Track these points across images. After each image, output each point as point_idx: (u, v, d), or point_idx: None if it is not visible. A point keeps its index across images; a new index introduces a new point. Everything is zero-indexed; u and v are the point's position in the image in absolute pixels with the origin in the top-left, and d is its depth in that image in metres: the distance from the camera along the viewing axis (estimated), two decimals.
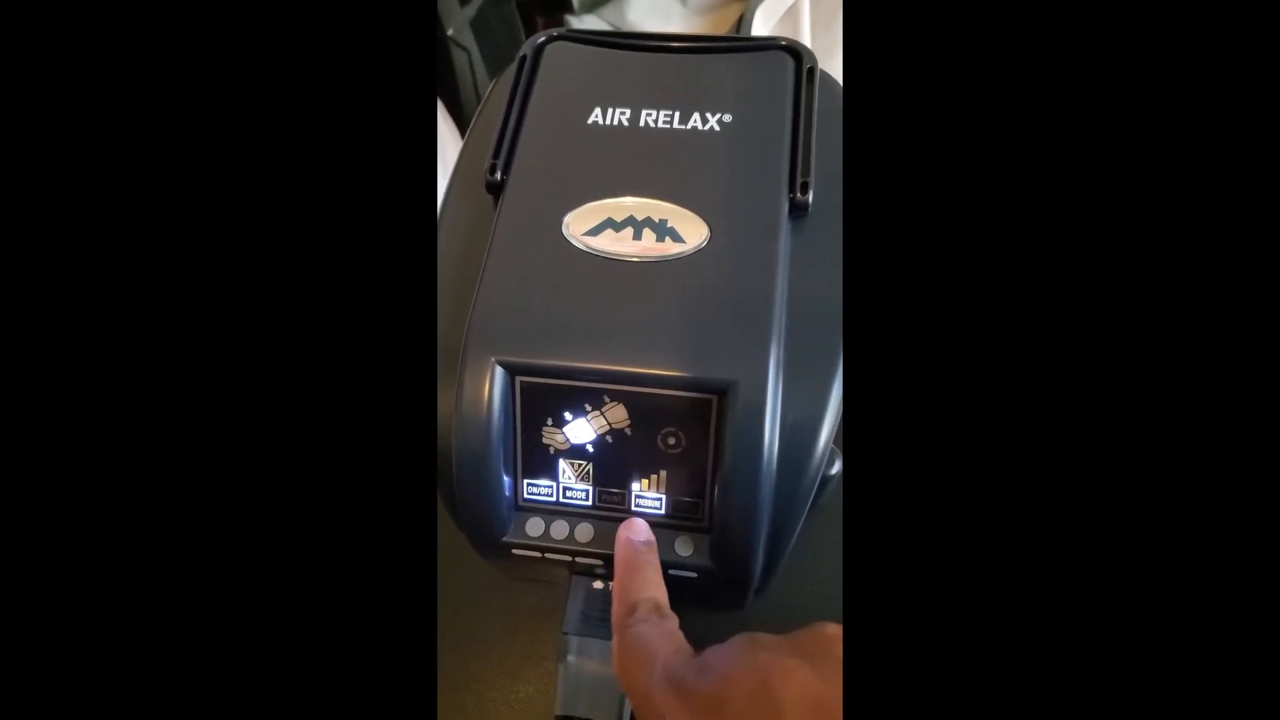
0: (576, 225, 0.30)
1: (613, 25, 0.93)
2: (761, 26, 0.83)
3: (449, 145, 0.75)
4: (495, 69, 0.81)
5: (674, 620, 0.26)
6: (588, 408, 0.28)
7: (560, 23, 0.95)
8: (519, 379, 0.28)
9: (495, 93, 0.36)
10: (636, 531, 0.28)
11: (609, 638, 0.30)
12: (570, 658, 0.30)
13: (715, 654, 0.24)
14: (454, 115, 0.77)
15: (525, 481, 0.29)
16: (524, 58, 0.35)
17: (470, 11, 0.68)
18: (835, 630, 0.24)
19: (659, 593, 0.27)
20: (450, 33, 0.70)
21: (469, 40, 0.72)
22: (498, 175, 0.31)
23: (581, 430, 0.28)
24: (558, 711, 0.29)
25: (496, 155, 0.32)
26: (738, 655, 0.24)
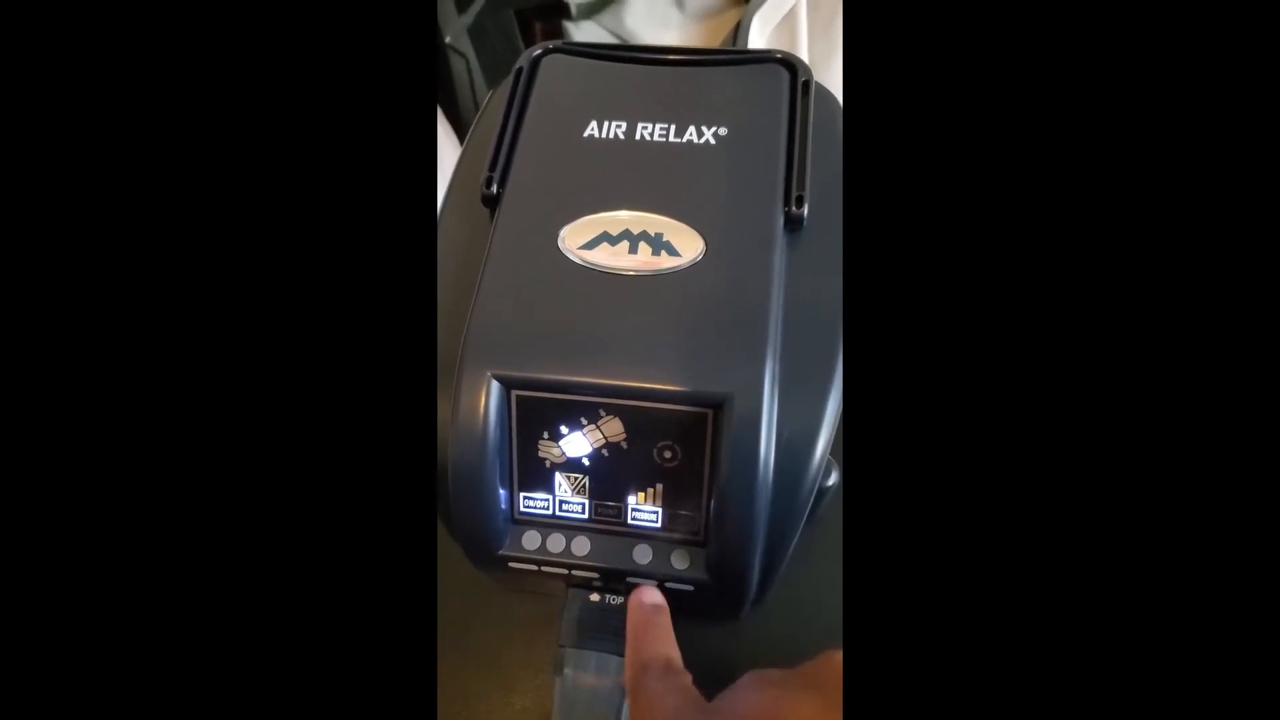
0: (572, 239, 0.30)
1: (611, 32, 0.93)
2: (758, 33, 0.83)
3: (448, 153, 0.75)
4: (493, 76, 0.81)
5: (687, 676, 0.26)
6: (584, 421, 0.28)
7: (558, 29, 0.95)
8: (515, 393, 0.28)
9: (491, 105, 0.36)
10: (648, 596, 0.29)
11: (606, 650, 0.30)
12: (567, 670, 0.30)
13: (724, 698, 0.24)
14: (453, 123, 0.77)
15: (521, 495, 0.29)
16: (520, 70, 0.35)
17: (468, 19, 0.68)
18: (841, 658, 0.24)
19: (671, 650, 0.27)
20: (448, 40, 0.70)
21: (467, 47, 0.73)
22: (494, 188, 0.31)
23: (578, 444, 0.28)
24: None
25: (493, 168, 0.32)
26: (747, 695, 0.24)
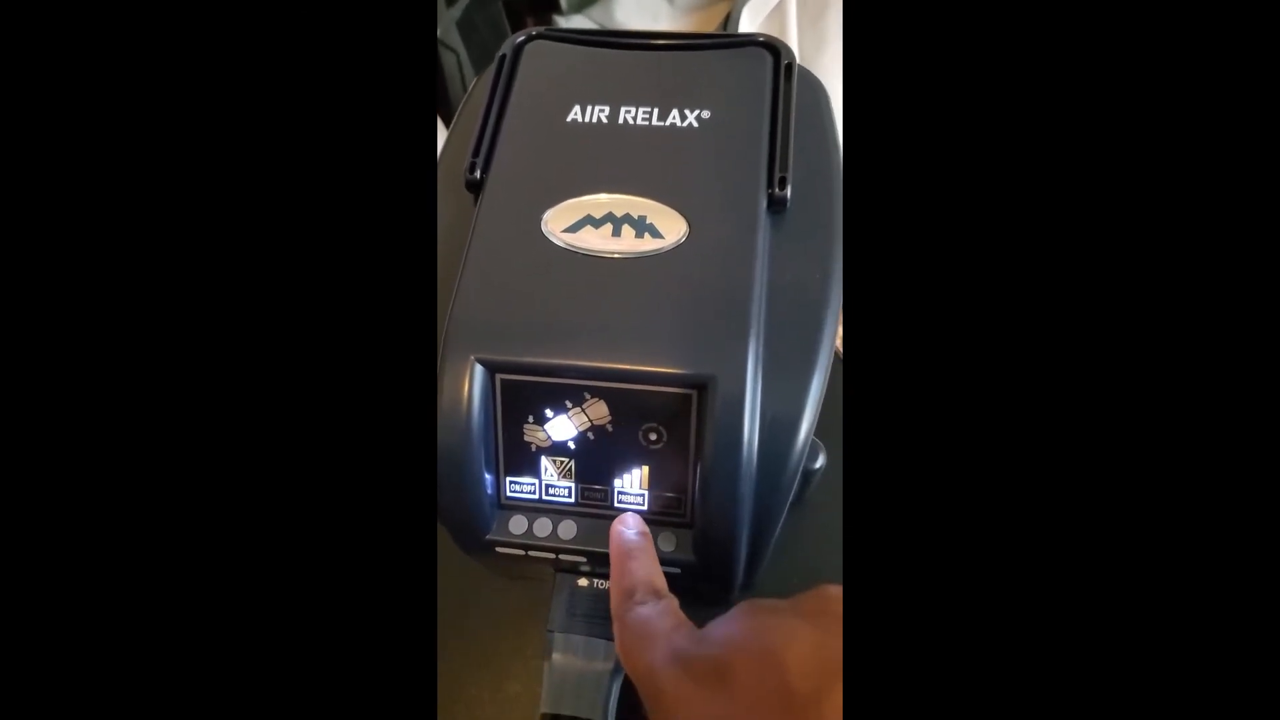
0: (556, 222, 0.30)
1: (600, 25, 0.93)
2: (748, 23, 0.83)
3: (438, 140, 0.75)
4: (482, 70, 0.80)
5: (673, 600, 0.26)
6: (569, 404, 0.28)
7: (548, 22, 0.94)
8: (499, 376, 0.28)
9: (475, 92, 0.36)
10: (629, 524, 0.28)
11: (594, 635, 0.30)
12: (555, 655, 0.30)
13: (717, 624, 0.24)
14: (443, 117, 0.77)
15: (508, 479, 0.29)
16: (503, 57, 0.35)
17: (456, 12, 0.68)
18: (836, 590, 0.24)
19: (655, 576, 0.27)
20: (438, 34, 0.70)
21: (456, 42, 0.72)
22: (477, 173, 0.31)
23: (563, 427, 0.28)
24: (543, 709, 0.29)
25: (476, 154, 0.32)
26: (739, 621, 0.23)
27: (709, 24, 0.87)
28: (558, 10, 0.91)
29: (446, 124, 0.77)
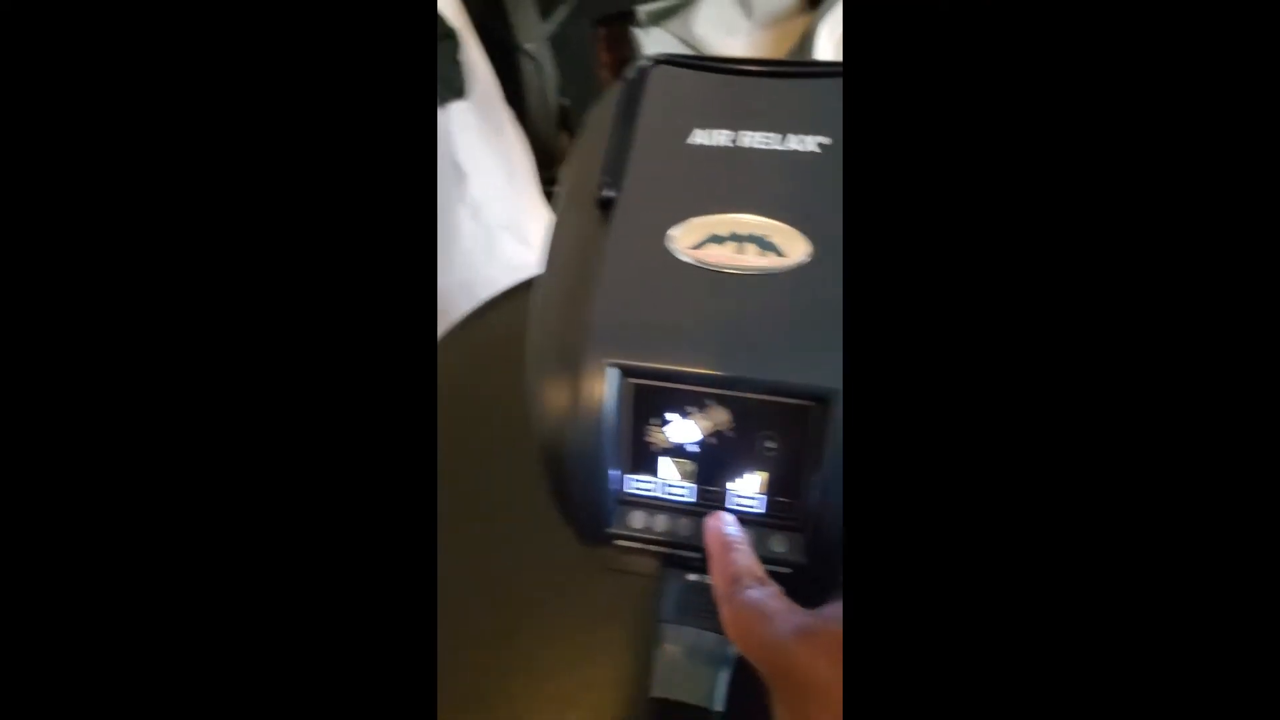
0: (682, 239, 0.32)
1: (678, 38, 0.95)
2: (826, 39, 0.84)
3: (516, 149, 0.78)
4: (568, 80, 0.84)
5: (777, 587, 0.27)
6: (694, 409, 0.30)
7: (626, 36, 0.97)
8: (631, 380, 0.30)
9: (598, 113, 0.38)
10: (725, 521, 0.30)
11: (701, 627, 0.32)
12: (666, 644, 0.32)
13: (834, 606, 0.25)
14: (521, 120, 0.81)
15: (631, 477, 0.32)
16: (629, 81, 0.37)
17: (551, 26, 0.71)
18: None
19: (756, 566, 0.28)
20: (528, 47, 0.73)
21: (544, 54, 0.76)
22: (609, 192, 0.33)
23: (686, 430, 0.30)
24: (654, 694, 0.31)
25: (607, 173, 0.34)
26: None
27: (787, 39, 0.89)
28: (636, 24, 0.94)
29: (522, 121, 0.80)
